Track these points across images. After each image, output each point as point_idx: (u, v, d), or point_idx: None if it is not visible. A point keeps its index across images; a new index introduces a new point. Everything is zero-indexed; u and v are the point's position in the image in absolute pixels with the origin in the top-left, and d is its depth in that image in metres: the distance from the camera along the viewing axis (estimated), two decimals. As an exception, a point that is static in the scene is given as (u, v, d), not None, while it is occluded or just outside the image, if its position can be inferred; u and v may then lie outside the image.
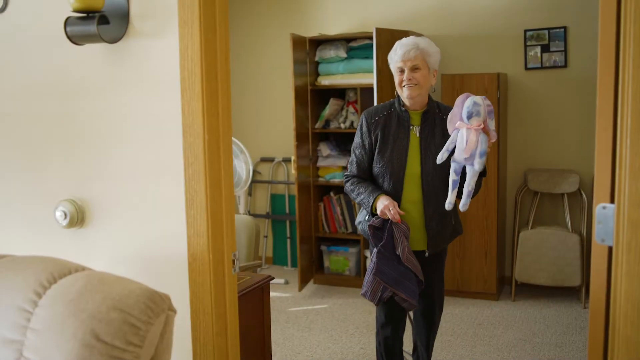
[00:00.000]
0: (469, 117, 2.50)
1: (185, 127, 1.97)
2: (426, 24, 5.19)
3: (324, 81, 5.26)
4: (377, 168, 2.89)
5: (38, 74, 2.17)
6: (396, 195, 2.84)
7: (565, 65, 4.89)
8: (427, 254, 2.91)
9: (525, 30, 4.94)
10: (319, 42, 5.27)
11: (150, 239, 2.07)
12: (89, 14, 1.92)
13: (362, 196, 2.87)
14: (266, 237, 6.14)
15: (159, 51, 1.99)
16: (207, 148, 1.96)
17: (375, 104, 4.62)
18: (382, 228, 2.82)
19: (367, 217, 2.95)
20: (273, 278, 2.94)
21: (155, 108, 2.02)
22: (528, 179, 4.94)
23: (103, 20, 1.96)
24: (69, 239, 2.19)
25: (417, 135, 2.84)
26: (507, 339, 4.17)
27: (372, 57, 4.76)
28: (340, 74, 5.19)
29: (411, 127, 2.85)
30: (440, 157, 2.58)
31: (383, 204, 2.76)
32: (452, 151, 2.59)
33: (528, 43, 4.94)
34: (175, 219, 2.02)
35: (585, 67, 4.82)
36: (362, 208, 3.00)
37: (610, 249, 1.61)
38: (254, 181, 6.11)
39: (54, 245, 2.20)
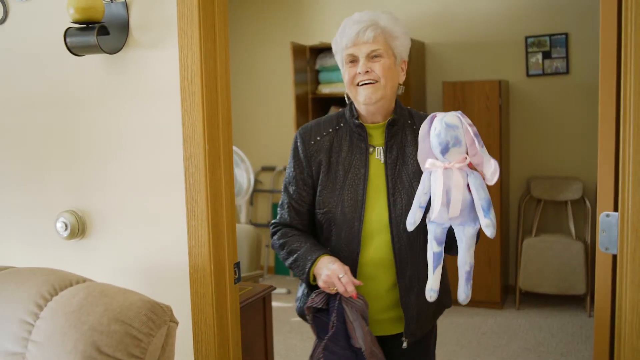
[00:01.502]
0: (445, 150, 1.63)
1: (185, 137, 1.97)
2: (426, 31, 5.19)
3: (325, 89, 5.26)
4: (320, 214, 1.93)
5: (38, 85, 2.17)
6: (350, 255, 1.89)
7: (567, 72, 4.88)
8: (405, 343, 1.93)
9: (527, 37, 4.93)
10: (319, 50, 5.28)
11: (152, 250, 2.06)
12: (88, 25, 1.92)
13: (294, 257, 1.91)
14: (268, 246, 6.13)
15: (158, 61, 1.99)
16: (208, 158, 1.95)
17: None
18: (327, 309, 1.85)
19: (305, 292, 2.02)
20: (275, 288, 2.92)
21: (155, 118, 2.01)
22: (531, 187, 4.93)
23: (103, 31, 1.96)
24: (70, 250, 2.18)
25: (381, 160, 1.91)
26: (512, 348, 4.14)
27: (373, 66, 4.76)
28: (340, 82, 5.17)
29: (371, 148, 1.92)
30: (412, 220, 1.71)
31: (328, 269, 1.80)
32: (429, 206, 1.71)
33: (529, 50, 4.94)
34: (176, 230, 2.01)
35: (587, 73, 4.81)
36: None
37: (614, 257, 1.60)
38: (255, 190, 6.11)
39: (54, 257, 2.19)
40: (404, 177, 1.89)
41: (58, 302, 1.60)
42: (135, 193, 2.07)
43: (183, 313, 1.97)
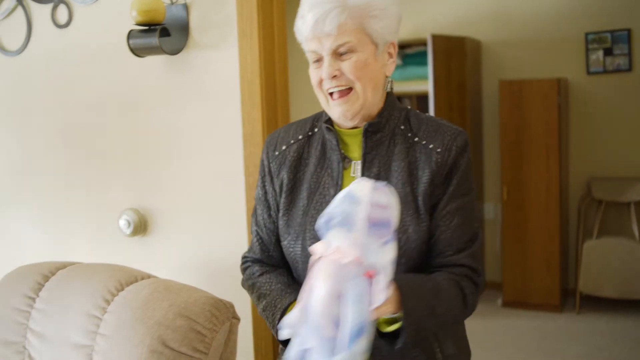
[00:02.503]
0: (326, 225, 1.14)
1: (245, 137, 1.99)
2: (483, 29, 5.11)
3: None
4: (285, 245, 1.45)
5: (101, 87, 2.23)
6: None
7: (629, 69, 4.73)
8: None
9: (587, 34, 4.80)
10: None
11: (212, 247, 2.09)
12: (150, 27, 1.97)
13: (262, 304, 1.45)
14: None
15: (218, 62, 2.02)
16: (268, 156, 1.97)
17: (431, 113, 4.56)
18: None
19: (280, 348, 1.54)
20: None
21: (215, 118, 2.04)
22: (592, 188, 4.79)
23: (164, 32, 2.00)
24: (132, 247, 2.23)
25: (357, 177, 1.40)
26: (572, 353, 4.04)
27: (427, 64, 4.72)
28: (395, 82, 5.16)
29: (346, 161, 1.42)
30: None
31: None
32: None
33: (590, 47, 4.80)
34: (236, 227, 2.04)
35: (651, 70, 4.66)
36: None
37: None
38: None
39: (118, 253, 2.24)
40: None
41: (125, 297, 1.64)
42: (196, 191, 2.10)
43: (244, 310, 1.99)
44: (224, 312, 1.60)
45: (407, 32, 5.41)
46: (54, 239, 2.39)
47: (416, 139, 1.38)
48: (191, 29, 2.04)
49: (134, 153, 2.20)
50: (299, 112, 6.37)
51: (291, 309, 1.31)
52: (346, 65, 1.32)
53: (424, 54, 4.92)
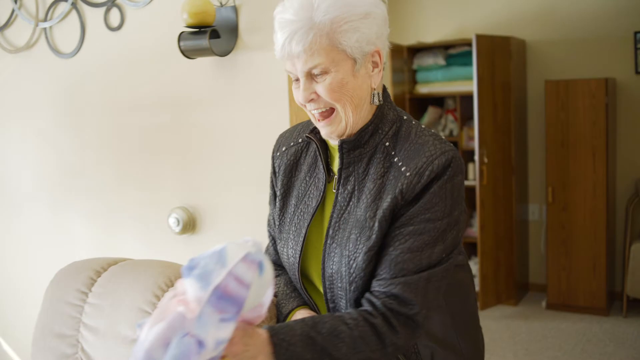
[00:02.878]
0: (187, 270, 1.06)
1: (292, 136, 2.01)
2: (528, 29, 5.05)
3: (422, 89, 5.22)
4: (278, 249, 1.47)
5: (153, 88, 2.29)
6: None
7: (680, 68, 4.62)
8: None
9: (635, 32, 4.70)
10: (416, 50, 5.24)
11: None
12: (201, 29, 2.01)
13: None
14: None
15: (267, 63, 2.05)
16: (314, 156, 1.99)
17: (475, 113, 4.54)
18: None
19: None
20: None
21: (263, 118, 2.07)
22: (640, 189, 4.69)
23: (214, 34, 2.04)
24: (181, 244, 2.28)
25: (335, 192, 1.34)
26: (619, 357, 3.96)
27: (471, 65, 4.68)
28: (438, 82, 5.13)
29: (330, 175, 1.37)
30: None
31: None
32: None
33: (639, 46, 4.70)
34: (282, 226, 2.06)
35: (703, 69, 4.53)
36: None
37: None
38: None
39: (167, 250, 2.29)
40: (350, 223, 1.29)
41: (174, 293, 1.68)
42: (243, 190, 2.14)
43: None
44: (272, 310, 1.62)
45: (451, 32, 5.38)
46: (105, 236, 2.46)
47: (395, 159, 1.28)
48: (240, 30, 2.07)
49: (183, 153, 2.25)
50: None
51: (294, 314, 1.38)
52: (321, 88, 1.23)
53: (468, 54, 4.88)
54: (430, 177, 1.22)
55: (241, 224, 2.16)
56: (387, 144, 1.30)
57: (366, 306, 1.24)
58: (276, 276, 1.46)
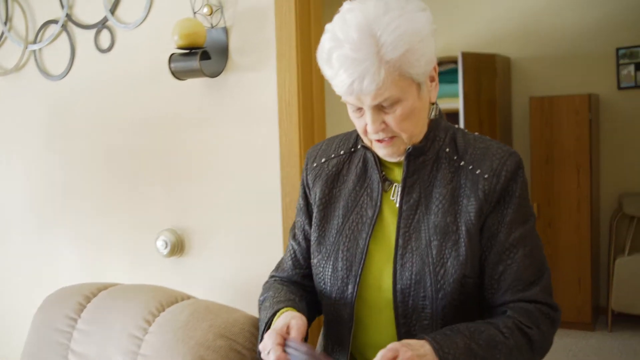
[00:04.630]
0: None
1: (282, 157, 2.01)
2: (513, 46, 5.10)
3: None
4: (315, 264, 1.40)
5: (142, 109, 2.27)
6: (340, 334, 1.36)
7: (661, 84, 4.69)
8: None
9: (617, 48, 4.77)
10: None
11: (249, 267, 2.11)
12: (191, 51, 2.00)
13: (261, 315, 1.41)
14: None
15: (257, 84, 2.05)
16: (306, 178, 1.99)
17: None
18: None
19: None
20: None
21: (253, 139, 2.07)
22: (623, 204, 4.74)
23: (205, 55, 2.03)
24: (170, 267, 2.26)
25: (396, 203, 1.34)
26: (605, 371, 3.98)
27: (457, 82, 4.71)
28: (451, 97, 5.12)
29: (387, 183, 1.36)
30: None
31: (269, 337, 1.24)
32: None
33: (621, 61, 4.77)
34: (272, 248, 2.05)
35: (683, 85, 4.60)
36: None
37: None
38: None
39: (156, 273, 2.27)
40: (423, 231, 1.28)
41: (165, 318, 1.67)
42: (233, 211, 2.13)
43: (280, 330, 2.00)
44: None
45: (437, 50, 5.39)
46: (93, 260, 2.43)
47: (462, 163, 1.30)
48: (231, 51, 2.07)
49: (172, 174, 2.24)
50: (335, 133, 6.33)
51: (279, 316, 1.31)
52: (391, 119, 1.23)
53: (454, 72, 4.91)
54: (507, 177, 1.27)
55: (230, 245, 2.14)
56: (447, 150, 1.32)
57: (514, 314, 1.26)
58: (277, 286, 1.45)
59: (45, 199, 2.52)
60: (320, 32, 2.06)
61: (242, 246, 2.12)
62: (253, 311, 1.80)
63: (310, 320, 1.39)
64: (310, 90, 2.04)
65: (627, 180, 4.88)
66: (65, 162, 2.45)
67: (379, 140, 1.28)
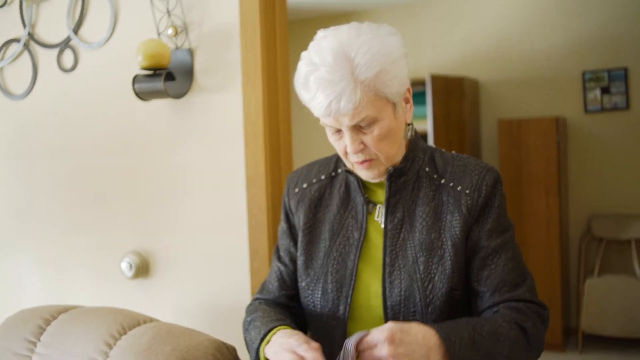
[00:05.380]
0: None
1: (248, 179, 2.00)
2: (481, 69, 5.18)
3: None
4: (303, 287, 1.44)
5: (105, 130, 2.25)
6: (331, 352, 1.33)
7: (627, 107, 4.78)
8: None
9: (584, 72, 4.87)
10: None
11: (214, 290, 2.09)
12: (155, 72, 1.99)
13: (252, 333, 1.41)
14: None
15: (222, 105, 2.04)
16: (271, 199, 1.98)
17: (431, 150, 4.59)
18: None
19: None
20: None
21: (219, 161, 2.06)
22: (592, 225, 4.80)
23: (169, 77, 2.03)
24: (134, 290, 2.23)
25: (381, 222, 1.39)
26: (576, 392, 3.99)
27: (426, 104, 4.77)
28: (423, 119, 5.17)
29: (370, 205, 1.40)
30: None
31: (279, 345, 1.28)
32: None
33: (587, 85, 4.86)
34: (238, 270, 2.04)
35: (647, 109, 4.70)
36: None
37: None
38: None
39: (120, 296, 2.23)
40: (409, 249, 1.33)
41: (127, 341, 1.63)
42: (198, 233, 2.11)
43: (246, 354, 1.98)
44: (226, 356, 1.59)
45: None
46: (55, 282, 2.39)
47: (443, 181, 1.36)
48: (196, 73, 2.07)
49: (137, 195, 2.21)
50: (302, 154, 6.40)
51: (272, 336, 1.32)
52: (369, 139, 1.27)
53: (422, 94, 4.97)
54: (488, 191, 1.33)
55: (196, 267, 2.12)
56: (427, 169, 1.39)
57: (507, 311, 1.30)
58: (263, 309, 1.46)
59: (7, 219, 2.48)
60: (286, 53, 2.08)
61: (207, 268, 2.10)
62: (218, 334, 1.78)
63: None
64: (276, 111, 2.04)
65: (595, 202, 4.95)
66: (27, 183, 2.42)
67: (359, 162, 1.32)
